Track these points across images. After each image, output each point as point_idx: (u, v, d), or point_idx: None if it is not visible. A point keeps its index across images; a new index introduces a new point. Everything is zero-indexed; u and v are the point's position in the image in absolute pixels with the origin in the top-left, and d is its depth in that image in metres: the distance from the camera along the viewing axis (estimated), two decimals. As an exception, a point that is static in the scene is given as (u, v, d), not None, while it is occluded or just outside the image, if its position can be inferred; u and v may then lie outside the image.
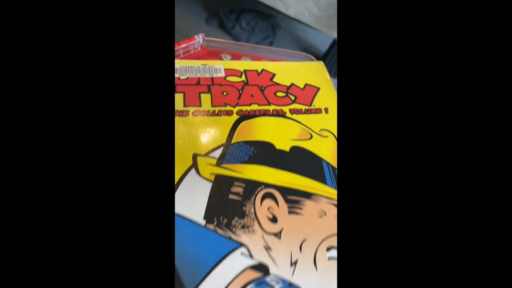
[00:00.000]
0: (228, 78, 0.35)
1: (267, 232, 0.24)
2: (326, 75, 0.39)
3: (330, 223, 0.26)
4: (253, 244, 0.23)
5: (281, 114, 0.33)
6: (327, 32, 1.37)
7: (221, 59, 0.40)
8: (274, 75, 0.37)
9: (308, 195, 0.27)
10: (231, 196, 0.25)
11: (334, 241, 0.25)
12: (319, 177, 0.28)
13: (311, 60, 0.44)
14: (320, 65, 0.40)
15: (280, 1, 1.29)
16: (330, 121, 0.34)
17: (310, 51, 1.57)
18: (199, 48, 0.42)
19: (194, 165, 0.27)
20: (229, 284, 0.21)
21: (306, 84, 0.37)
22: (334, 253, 0.24)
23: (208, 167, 0.27)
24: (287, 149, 0.30)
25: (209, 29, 1.46)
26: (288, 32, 1.61)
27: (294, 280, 0.22)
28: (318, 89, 0.37)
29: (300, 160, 0.29)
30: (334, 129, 0.33)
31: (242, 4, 1.51)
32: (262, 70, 0.37)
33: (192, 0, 1.56)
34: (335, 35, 1.32)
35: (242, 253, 0.23)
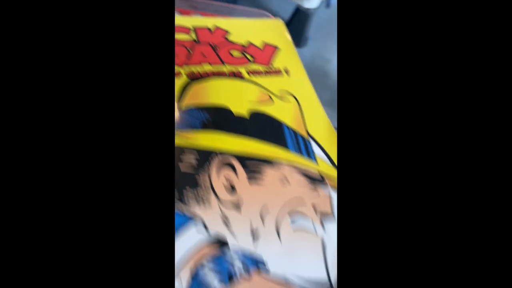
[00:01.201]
0: (175, 36, 0.31)
1: (225, 202, 0.22)
2: (285, 34, 0.36)
3: (293, 191, 0.24)
4: (209, 217, 0.21)
5: (238, 76, 0.30)
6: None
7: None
8: (228, 33, 0.33)
9: (269, 162, 0.25)
10: (182, 168, 0.22)
11: (298, 209, 0.23)
12: (281, 143, 0.26)
13: (268, 17, 0.41)
14: (278, 23, 0.37)
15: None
16: (291, 83, 0.31)
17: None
18: None
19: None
20: (182, 264, 0.19)
21: (264, 43, 0.34)
22: (299, 223, 0.23)
23: (154, 136, 0.23)
24: (246, 113, 0.27)
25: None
26: (248, -1, 1.53)
27: (256, 253, 0.21)
28: (277, 48, 0.34)
29: (259, 126, 0.27)
30: (296, 91, 0.30)
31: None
32: (215, 27, 0.33)
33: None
34: (299, 2, 1.27)
35: (196, 227, 0.20)
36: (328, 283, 0.20)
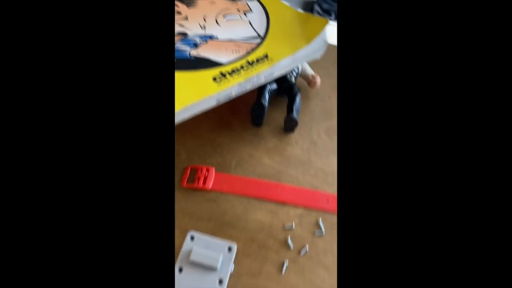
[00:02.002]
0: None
1: (177, 19, 0.32)
2: None
3: (220, 6, 0.34)
4: (169, 26, 0.31)
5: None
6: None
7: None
8: None
9: (198, -2, 0.35)
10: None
11: (227, 11, 0.34)
12: (202, -12, 0.37)
13: None
14: None
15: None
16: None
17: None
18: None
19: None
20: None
21: None
22: (230, 17, 0.33)
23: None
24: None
25: None
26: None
27: (206, 33, 0.31)
28: None
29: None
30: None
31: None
32: None
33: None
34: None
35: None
36: (256, 34, 0.32)
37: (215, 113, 0.37)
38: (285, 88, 0.37)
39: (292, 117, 0.34)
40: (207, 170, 0.31)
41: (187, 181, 0.31)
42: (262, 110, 0.35)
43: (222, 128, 0.36)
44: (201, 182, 0.31)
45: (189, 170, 0.32)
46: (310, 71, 0.38)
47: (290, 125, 0.35)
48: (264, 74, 0.29)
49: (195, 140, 0.35)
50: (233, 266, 0.26)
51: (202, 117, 0.37)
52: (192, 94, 0.26)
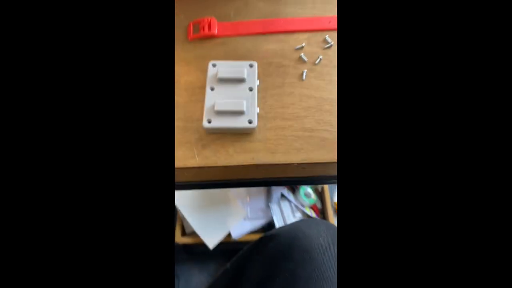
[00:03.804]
0: None
1: None
2: None
3: None
4: None
5: None
6: None
7: None
8: None
9: None
10: None
11: None
12: None
13: None
14: None
15: None
16: None
17: None
18: None
19: None
20: None
21: None
22: None
23: None
24: None
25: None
26: None
27: None
28: None
29: None
30: None
31: None
32: None
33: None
34: None
35: None
36: None
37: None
38: None
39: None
40: (209, 20, 0.32)
41: (193, 33, 0.31)
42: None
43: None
44: (206, 29, 0.31)
45: (191, 25, 0.32)
46: None
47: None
48: None
49: (189, 4, 0.34)
50: (258, 81, 0.27)
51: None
52: None
